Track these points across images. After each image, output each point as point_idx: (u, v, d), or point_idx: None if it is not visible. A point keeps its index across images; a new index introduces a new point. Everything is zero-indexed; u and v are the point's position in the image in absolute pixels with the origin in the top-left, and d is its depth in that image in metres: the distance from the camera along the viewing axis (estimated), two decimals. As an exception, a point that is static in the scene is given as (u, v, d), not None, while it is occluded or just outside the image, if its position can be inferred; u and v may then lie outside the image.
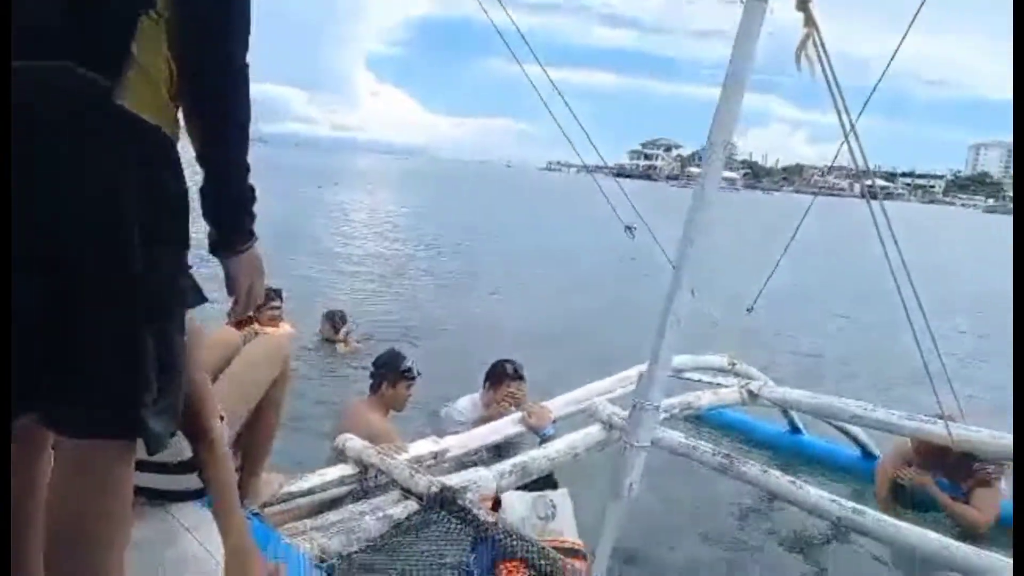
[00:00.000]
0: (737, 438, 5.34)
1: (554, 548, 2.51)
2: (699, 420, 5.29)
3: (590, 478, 3.04)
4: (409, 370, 3.73)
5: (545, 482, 3.02)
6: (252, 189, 1.31)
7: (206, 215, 1.29)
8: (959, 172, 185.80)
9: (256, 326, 6.76)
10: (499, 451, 3.52)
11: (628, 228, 3.89)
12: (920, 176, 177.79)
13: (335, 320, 7.24)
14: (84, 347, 1.10)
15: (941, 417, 3.49)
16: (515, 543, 2.32)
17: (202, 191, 1.26)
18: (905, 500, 4.39)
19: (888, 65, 2.24)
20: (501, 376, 4.12)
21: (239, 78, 1.21)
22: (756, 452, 5.13)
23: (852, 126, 1.95)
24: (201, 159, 1.25)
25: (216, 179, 1.26)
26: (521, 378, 4.12)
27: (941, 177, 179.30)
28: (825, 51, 2.04)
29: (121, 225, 1.09)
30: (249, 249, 1.35)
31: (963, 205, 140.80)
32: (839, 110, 1.77)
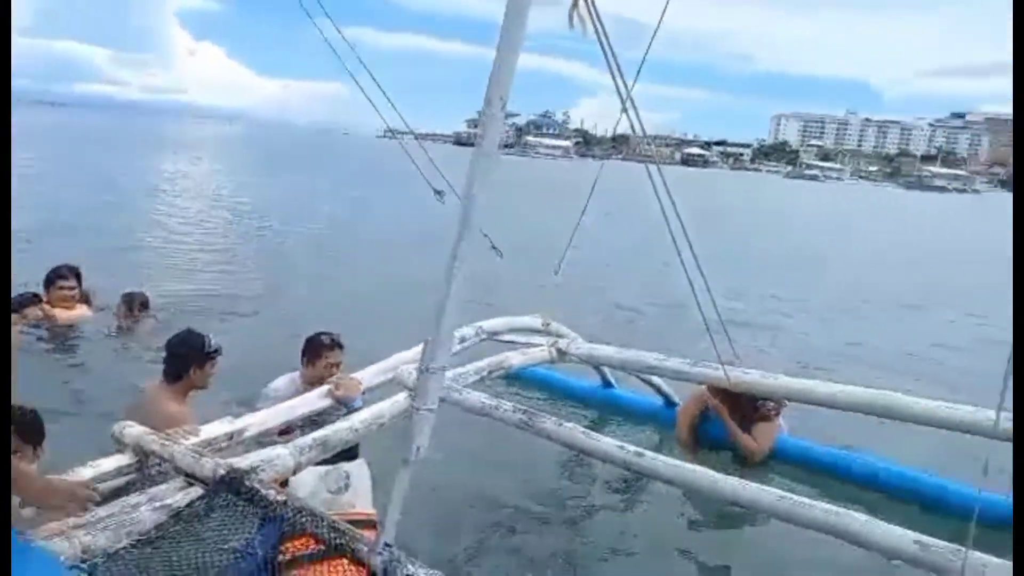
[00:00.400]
0: (555, 395, 5.56)
1: (348, 520, 2.46)
2: (519, 381, 5.46)
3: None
4: (215, 350, 3.53)
5: (347, 455, 2.95)
6: None
7: None
8: (763, 141, 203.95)
9: (46, 308, 6.05)
10: (316, 427, 3.41)
11: (437, 192, 3.88)
12: (731, 145, 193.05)
13: (133, 304, 6.29)
14: None
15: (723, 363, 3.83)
16: (304, 519, 2.25)
17: None
18: (704, 442, 4.83)
19: (655, 32, 2.33)
20: (318, 348, 3.99)
21: None
22: (572, 407, 5.39)
23: (627, 87, 2.02)
24: None
25: None
26: (339, 346, 4.02)
27: (748, 146, 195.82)
28: (597, 12, 2.09)
29: None
30: None
31: (767, 171, 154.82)
32: (612, 69, 1.82)
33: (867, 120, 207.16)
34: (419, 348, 3.97)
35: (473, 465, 4.20)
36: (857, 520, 2.45)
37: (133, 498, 2.41)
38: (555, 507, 3.87)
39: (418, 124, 3.85)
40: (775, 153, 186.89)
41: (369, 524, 2.42)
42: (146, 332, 6.16)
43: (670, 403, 5.20)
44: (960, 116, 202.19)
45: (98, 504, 2.44)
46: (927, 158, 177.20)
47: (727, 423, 4.68)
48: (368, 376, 3.69)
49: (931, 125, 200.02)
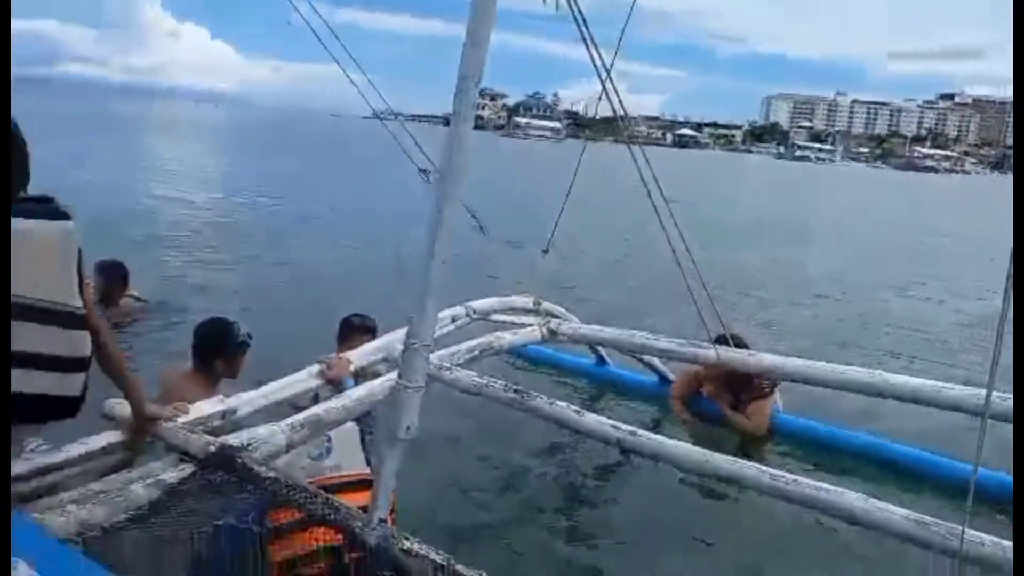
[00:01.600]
0: (550, 373, 5.59)
1: (334, 484, 2.47)
2: (514, 358, 5.49)
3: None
4: (245, 340, 3.45)
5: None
6: None
7: None
8: (755, 122, 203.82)
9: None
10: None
11: (422, 171, 3.87)
12: (722, 126, 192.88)
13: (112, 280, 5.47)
14: None
15: (713, 341, 3.87)
16: (297, 496, 2.26)
17: None
18: (701, 418, 4.88)
19: (630, 12, 2.32)
20: (348, 331, 3.92)
21: None
22: (567, 384, 5.42)
23: (605, 65, 2.02)
24: None
25: None
26: (370, 331, 3.94)
27: (740, 127, 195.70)
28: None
29: None
30: None
31: (758, 152, 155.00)
32: (587, 43, 1.82)
33: (856, 101, 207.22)
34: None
35: (465, 444, 4.25)
36: (855, 499, 2.45)
37: (126, 474, 2.42)
38: (547, 485, 3.91)
39: (410, 105, 3.83)
40: (766, 134, 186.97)
41: (362, 484, 2.42)
42: (122, 313, 5.64)
43: (664, 380, 5.24)
44: (949, 97, 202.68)
45: (91, 480, 2.45)
46: (917, 139, 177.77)
47: (720, 404, 4.71)
48: (360, 355, 3.69)
49: (920, 106, 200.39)
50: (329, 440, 2.58)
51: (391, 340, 3.74)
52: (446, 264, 1.97)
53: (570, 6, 1.77)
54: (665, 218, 2.56)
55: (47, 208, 2.14)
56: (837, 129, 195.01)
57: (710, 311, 3.42)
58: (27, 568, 1.66)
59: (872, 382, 3.38)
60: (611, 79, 1.95)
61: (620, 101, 2.07)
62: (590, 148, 4.76)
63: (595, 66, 1.85)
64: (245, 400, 3.10)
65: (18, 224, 2.02)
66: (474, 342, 3.91)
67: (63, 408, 2.16)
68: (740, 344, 4.20)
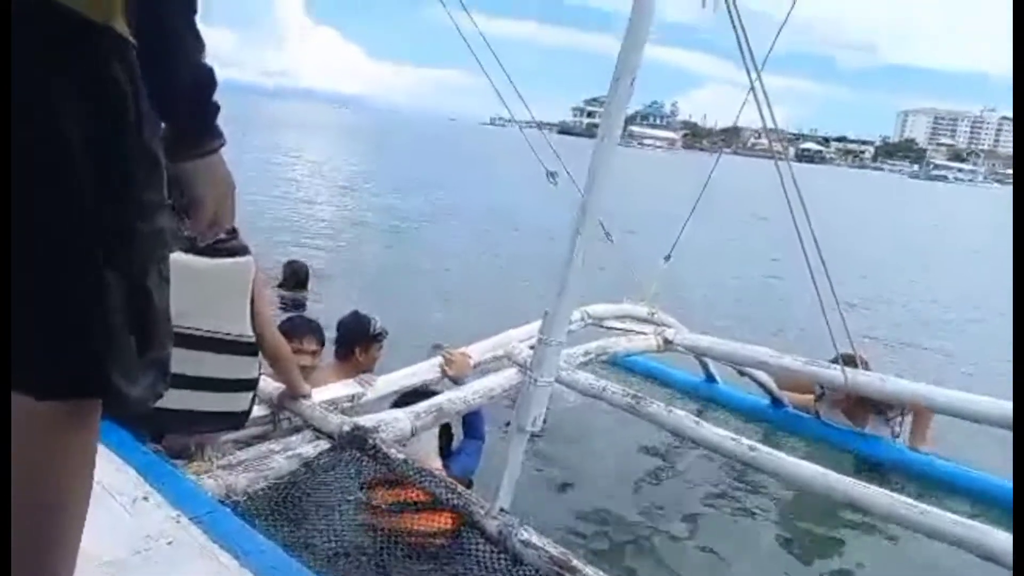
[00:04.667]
0: (657, 386, 5.52)
1: None
2: (624, 370, 5.47)
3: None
4: (380, 333, 3.60)
5: None
6: (210, 70, 1.06)
7: (155, 106, 0.99)
8: (888, 138, 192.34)
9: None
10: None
11: (550, 174, 3.95)
12: (851, 141, 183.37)
13: (299, 273, 6.67)
14: (30, 298, 0.89)
15: (837, 362, 3.71)
16: (423, 479, 2.37)
17: (145, 75, 0.95)
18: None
19: (785, 20, 2.28)
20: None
21: None
22: (675, 400, 5.34)
23: (758, 73, 2.00)
24: (137, 32, 0.94)
25: (159, 53, 0.98)
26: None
27: (871, 143, 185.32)
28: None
29: (60, 146, 0.86)
30: (214, 152, 1.10)
31: (890, 171, 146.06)
32: (742, 49, 1.81)
33: (1006, 118, 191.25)
34: (529, 326, 4.07)
35: (579, 449, 4.30)
36: (992, 535, 2.30)
37: (268, 446, 2.61)
38: (659, 496, 3.88)
39: (523, 112, 3.95)
40: (900, 151, 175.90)
41: None
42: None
43: (777, 402, 5.06)
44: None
45: (238, 449, 2.67)
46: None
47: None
48: (478, 351, 3.80)
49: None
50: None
51: (509, 338, 3.84)
52: (583, 267, 2.02)
53: (728, 8, 1.76)
54: (804, 231, 2.50)
55: (229, 247, 2.39)
56: (981, 148, 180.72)
57: (840, 331, 3.28)
58: (188, 522, 1.84)
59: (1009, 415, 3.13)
60: (762, 86, 1.93)
61: (771, 111, 2.04)
62: (701, 159, 4.66)
63: (748, 73, 1.84)
64: (373, 386, 3.27)
65: (199, 263, 2.27)
66: (590, 346, 3.94)
67: (232, 421, 2.48)
68: (866, 368, 4.01)
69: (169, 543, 1.73)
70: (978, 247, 21.45)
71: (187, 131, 1.07)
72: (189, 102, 1.06)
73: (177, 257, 2.36)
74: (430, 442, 3.04)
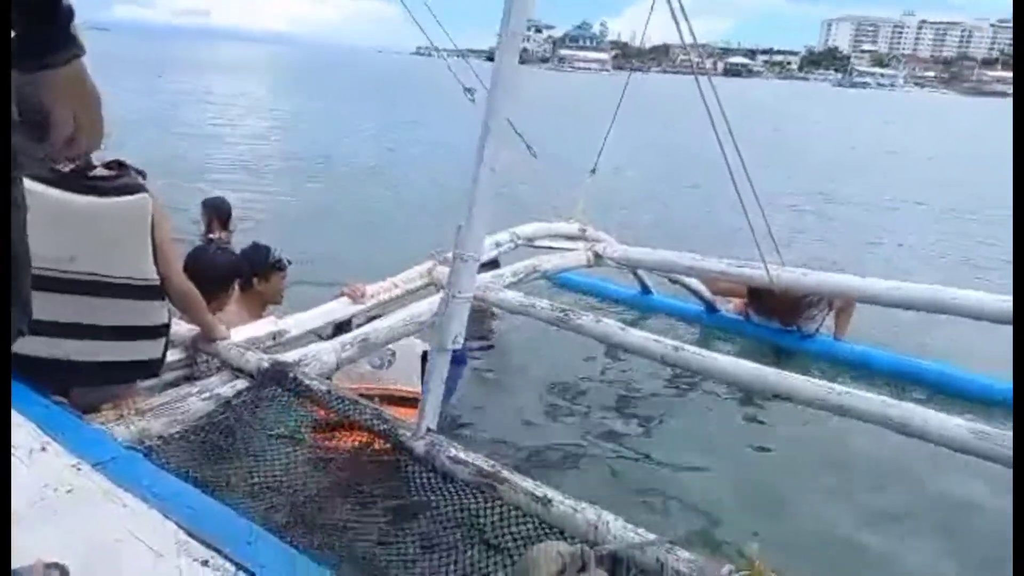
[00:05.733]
0: (595, 302, 5.56)
1: (387, 395, 2.54)
2: (561, 288, 5.49)
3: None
4: (280, 260, 3.50)
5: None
6: None
7: None
8: (813, 48, 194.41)
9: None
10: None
11: (467, 90, 3.80)
12: (777, 52, 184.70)
13: (220, 212, 5.67)
14: None
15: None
16: (348, 408, 2.31)
17: None
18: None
19: None
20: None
21: None
22: (611, 314, 5.39)
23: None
24: None
25: None
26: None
27: (796, 54, 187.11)
28: None
29: None
30: (67, 63, 0.98)
31: (815, 80, 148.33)
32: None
33: (924, 22, 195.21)
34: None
35: (511, 366, 4.31)
36: (914, 412, 2.37)
37: (184, 389, 2.50)
38: (591, 404, 3.94)
39: (446, 42, 3.82)
40: (825, 60, 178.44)
41: (411, 402, 2.47)
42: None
43: (711, 308, 5.16)
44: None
45: (151, 397, 2.55)
46: (988, 62, 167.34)
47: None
48: (406, 279, 3.73)
49: (993, 26, 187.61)
50: (393, 354, 2.62)
51: (413, 275, 3.78)
52: (494, 172, 1.93)
53: None
54: (726, 144, 2.48)
55: (118, 185, 2.23)
56: (902, 53, 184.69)
57: (765, 238, 3.32)
58: (89, 468, 1.74)
59: (936, 298, 3.23)
60: (682, 6, 1.84)
61: (690, 27, 1.95)
62: (634, 80, 4.58)
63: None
64: (293, 323, 3.16)
65: (88, 203, 2.09)
66: (519, 265, 3.89)
67: (145, 370, 2.41)
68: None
69: (69, 491, 1.64)
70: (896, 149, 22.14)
71: (32, 38, 0.95)
72: (31, 5, 0.94)
73: (62, 197, 2.20)
74: (411, 363, 2.92)
